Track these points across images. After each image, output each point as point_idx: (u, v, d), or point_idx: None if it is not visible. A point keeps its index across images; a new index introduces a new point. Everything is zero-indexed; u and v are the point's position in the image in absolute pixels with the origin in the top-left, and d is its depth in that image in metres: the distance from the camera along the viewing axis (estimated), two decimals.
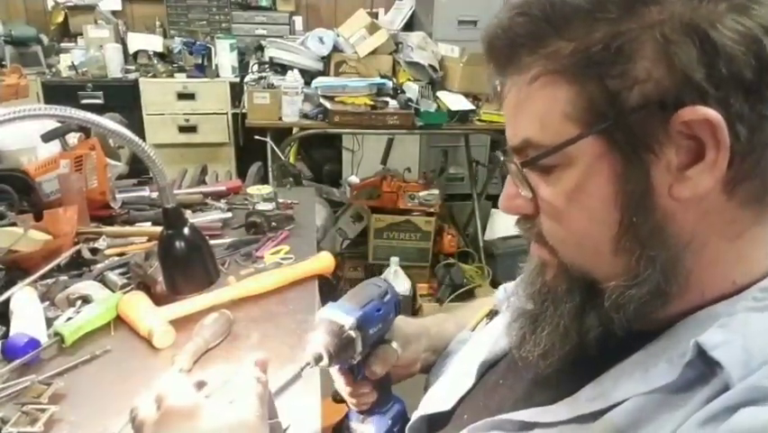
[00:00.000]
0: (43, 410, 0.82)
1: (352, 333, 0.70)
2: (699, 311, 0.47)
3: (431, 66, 2.97)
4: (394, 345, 0.78)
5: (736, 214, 0.45)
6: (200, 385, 0.66)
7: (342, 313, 0.71)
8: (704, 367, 0.44)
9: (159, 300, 1.07)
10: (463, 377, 0.70)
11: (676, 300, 0.48)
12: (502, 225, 3.16)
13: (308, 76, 2.95)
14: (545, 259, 0.54)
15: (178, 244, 0.80)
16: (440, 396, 0.72)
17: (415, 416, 0.73)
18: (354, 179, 3.18)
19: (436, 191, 2.92)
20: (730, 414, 0.39)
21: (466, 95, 2.83)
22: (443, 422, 0.69)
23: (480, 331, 0.79)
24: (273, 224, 1.45)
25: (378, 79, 2.89)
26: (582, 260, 0.51)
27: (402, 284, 2.89)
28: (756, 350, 0.42)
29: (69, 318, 1.02)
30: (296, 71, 2.78)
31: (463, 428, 0.61)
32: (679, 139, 0.43)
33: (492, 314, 0.81)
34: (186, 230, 0.80)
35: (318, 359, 0.69)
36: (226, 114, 3.54)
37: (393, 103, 2.76)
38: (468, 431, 0.60)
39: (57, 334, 0.97)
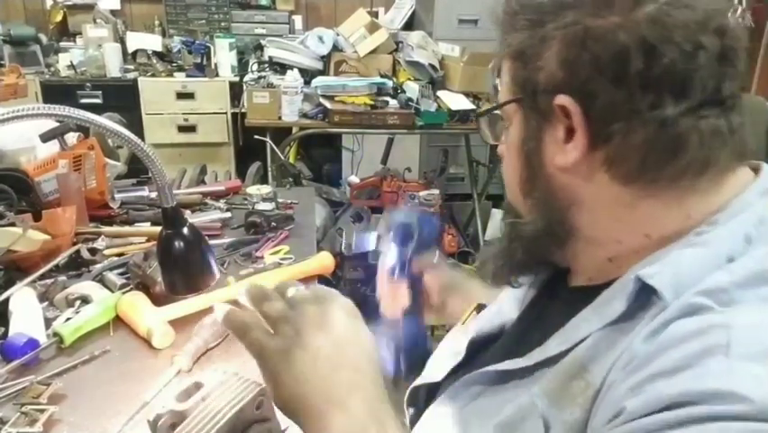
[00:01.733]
0: (42, 411, 0.81)
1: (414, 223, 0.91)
2: (640, 260, 0.56)
3: (431, 65, 2.97)
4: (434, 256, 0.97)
5: (618, 188, 0.56)
6: (197, 386, 0.66)
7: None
8: (645, 297, 0.52)
9: (158, 301, 1.06)
10: (454, 352, 0.77)
11: (583, 247, 0.61)
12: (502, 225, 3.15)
13: (308, 75, 2.94)
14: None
15: (178, 244, 0.80)
16: (432, 370, 0.80)
17: (410, 388, 0.81)
18: (354, 179, 3.17)
19: (436, 191, 2.92)
20: (666, 327, 0.48)
21: (466, 94, 2.83)
22: (433, 391, 0.76)
23: (471, 322, 0.84)
24: (273, 224, 1.45)
25: (378, 79, 2.88)
26: (510, 196, 0.68)
27: None
28: (685, 274, 0.50)
29: (68, 319, 1.02)
30: (295, 71, 2.78)
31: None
32: (561, 118, 0.56)
33: (480, 308, 0.85)
34: (185, 230, 0.80)
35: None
36: (226, 113, 3.54)
37: (393, 102, 2.75)
38: (449, 391, 0.69)
39: (56, 334, 0.97)
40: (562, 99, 0.54)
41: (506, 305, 0.75)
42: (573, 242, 0.61)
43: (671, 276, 0.51)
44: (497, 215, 3.34)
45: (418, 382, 0.81)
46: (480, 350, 0.75)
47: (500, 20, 0.62)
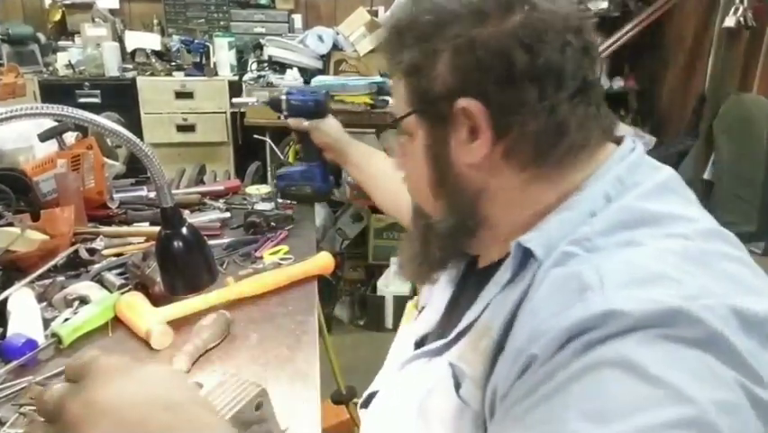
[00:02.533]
0: None
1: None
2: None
3: None
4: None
5: (515, 174, 0.63)
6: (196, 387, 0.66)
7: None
8: (525, 259, 0.59)
9: (157, 301, 1.06)
10: (402, 355, 0.81)
11: (488, 233, 0.68)
12: None
13: (308, 74, 2.94)
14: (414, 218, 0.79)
15: (176, 245, 0.79)
16: (382, 377, 0.86)
17: (364, 395, 0.87)
18: None
19: None
20: (543, 280, 0.55)
21: None
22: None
23: (414, 322, 0.88)
24: (272, 224, 1.45)
25: (377, 78, 2.88)
26: (420, 201, 0.74)
27: (402, 284, 2.88)
28: (554, 234, 0.58)
29: (67, 319, 1.01)
30: (295, 70, 2.78)
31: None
32: (463, 120, 0.62)
33: (420, 307, 0.88)
34: (184, 230, 0.80)
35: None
36: (225, 113, 3.52)
37: (393, 102, 2.75)
38: (387, 383, 0.78)
39: (54, 335, 0.97)
40: (465, 102, 0.60)
41: (436, 302, 0.80)
42: (481, 231, 0.69)
43: (542, 238, 0.58)
44: None
45: (370, 389, 0.85)
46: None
47: (387, 41, 0.69)
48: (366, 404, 0.85)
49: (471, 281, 0.74)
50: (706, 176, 2.81)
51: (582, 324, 0.48)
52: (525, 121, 0.60)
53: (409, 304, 0.95)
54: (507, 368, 0.54)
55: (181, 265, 0.82)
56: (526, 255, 0.59)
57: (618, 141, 0.67)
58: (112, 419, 0.42)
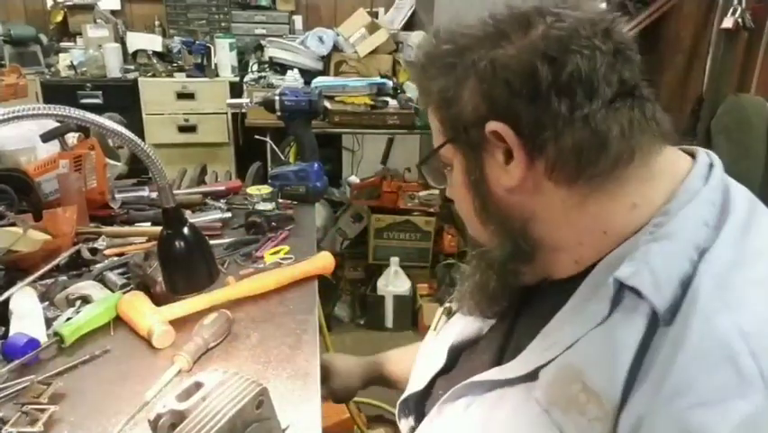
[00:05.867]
0: (43, 410, 0.81)
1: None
2: (606, 256, 0.59)
3: None
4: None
5: (564, 192, 0.60)
6: (198, 386, 0.66)
7: None
8: (626, 296, 0.55)
9: (158, 300, 1.06)
10: (434, 359, 0.80)
11: (549, 256, 0.65)
12: None
13: (308, 75, 2.95)
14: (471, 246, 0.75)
15: (178, 244, 0.80)
16: (415, 380, 0.83)
17: (398, 403, 0.85)
18: (354, 179, 3.18)
19: (436, 191, 2.92)
20: (684, 337, 0.50)
21: None
22: (422, 401, 0.81)
23: (444, 327, 0.86)
24: (273, 224, 1.45)
25: (378, 79, 2.89)
26: (472, 227, 0.71)
27: (402, 284, 2.89)
28: (660, 270, 0.53)
29: (69, 319, 1.02)
30: (295, 71, 2.78)
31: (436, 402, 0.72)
32: (496, 144, 0.60)
33: (449, 311, 0.86)
34: (185, 230, 0.80)
35: None
36: (226, 113, 3.53)
37: (393, 103, 2.75)
38: (439, 404, 0.71)
39: (56, 334, 0.97)
40: (493, 126, 0.59)
41: None
42: (540, 254, 0.65)
43: (649, 274, 0.53)
44: None
45: (405, 394, 0.84)
46: (461, 355, 0.78)
47: (415, 77, 0.70)
48: (405, 409, 0.84)
49: (535, 297, 0.70)
50: None
51: (750, 421, 0.46)
52: (561, 135, 0.57)
53: (439, 310, 0.91)
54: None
55: (182, 265, 0.82)
56: (626, 291, 0.55)
57: (692, 153, 0.64)
58: None
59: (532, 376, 0.60)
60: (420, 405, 0.82)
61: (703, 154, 0.63)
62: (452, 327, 0.82)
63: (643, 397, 0.50)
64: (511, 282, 0.69)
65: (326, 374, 1.10)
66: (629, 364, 0.52)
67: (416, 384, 0.82)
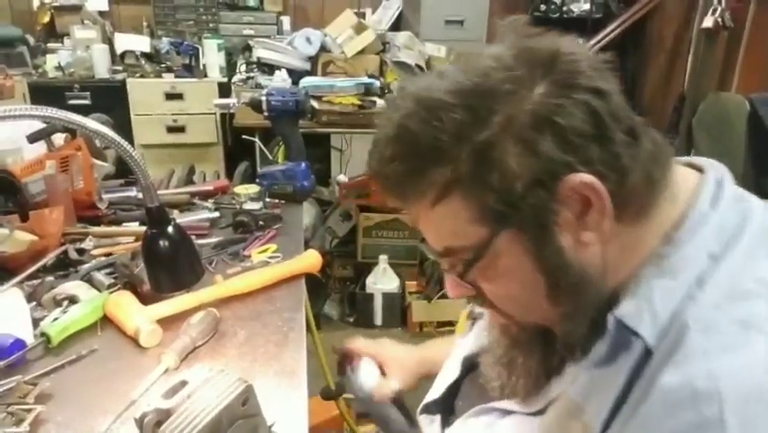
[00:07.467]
0: (29, 411, 0.82)
1: None
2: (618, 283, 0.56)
3: (418, 65, 2.99)
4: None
5: (627, 230, 0.55)
6: (183, 384, 0.67)
7: None
8: (625, 335, 0.52)
9: (145, 300, 1.07)
10: (450, 370, 0.81)
11: None
12: None
13: (296, 76, 2.95)
14: (505, 322, 0.65)
15: (162, 243, 0.81)
16: (436, 386, 0.84)
17: (420, 406, 0.85)
18: (343, 179, 3.18)
19: None
20: (655, 381, 0.49)
21: None
22: (439, 407, 0.82)
23: (466, 335, 0.86)
24: (261, 223, 1.46)
25: (365, 79, 2.90)
26: (532, 317, 0.61)
27: (391, 282, 2.90)
28: (660, 311, 0.51)
29: (56, 319, 1.02)
30: (283, 71, 2.79)
31: (456, 411, 0.75)
32: (568, 200, 0.52)
33: (472, 316, 0.86)
34: (170, 229, 0.81)
35: None
36: (214, 114, 3.53)
37: (381, 102, 2.76)
38: (464, 418, 0.72)
39: (43, 334, 0.97)
40: (573, 181, 0.50)
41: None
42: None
43: (649, 316, 0.51)
44: None
45: (427, 399, 0.84)
46: (475, 364, 0.77)
47: (401, 171, 0.55)
48: (428, 410, 0.84)
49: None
50: None
51: None
52: (627, 172, 0.52)
53: (463, 313, 0.90)
54: None
55: (167, 263, 0.83)
56: (628, 332, 0.52)
57: (697, 167, 0.60)
58: None
59: (542, 410, 0.61)
60: (442, 406, 0.82)
61: (711, 170, 0.59)
62: (471, 338, 0.82)
63: None
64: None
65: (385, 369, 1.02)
66: (614, 398, 0.52)
67: (434, 392, 0.84)
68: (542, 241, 0.53)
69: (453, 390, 0.81)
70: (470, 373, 0.79)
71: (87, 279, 1.18)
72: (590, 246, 0.54)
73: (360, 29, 3.10)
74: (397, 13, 3.80)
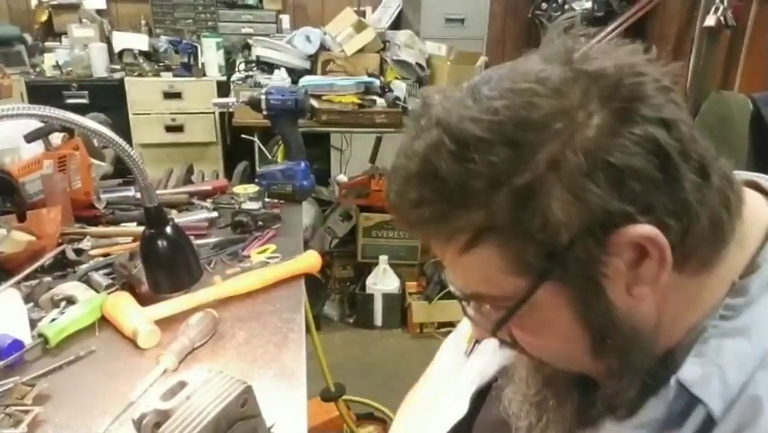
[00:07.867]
0: (27, 412, 0.81)
1: None
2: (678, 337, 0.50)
3: (418, 64, 2.98)
4: None
5: (689, 281, 0.48)
6: (182, 385, 0.66)
7: None
8: (687, 400, 0.46)
9: (144, 300, 1.06)
10: (456, 403, 0.71)
11: None
12: None
13: (295, 74, 2.95)
14: (538, 365, 0.58)
15: (161, 244, 0.80)
16: (436, 423, 0.73)
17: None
18: (343, 178, 3.18)
19: None
20: None
21: None
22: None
23: (473, 356, 0.78)
24: (260, 223, 1.45)
25: (365, 78, 2.89)
26: (570, 366, 0.55)
27: (391, 282, 2.89)
28: (731, 379, 0.45)
29: (54, 319, 1.02)
30: (283, 70, 2.78)
31: None
32: (620, 252, 0.45)
33: (473, 343, 0.79)
34: (168, 229, 0.80)
35: None
36: (213, 113, 3.52)
37: (381, 101, 2.76)
38: None
39: (41, 335, 0.97)
40: (636, 230, 0.43)
41: (494, 353, 0.68)
42: None
43: (719, 384, 0.45)
44: None
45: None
46: (485, 397, 0.70)
47: (434, 213, 0.47)
48: None
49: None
50: None
51: None
52: (693, 219, 0.45)
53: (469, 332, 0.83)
54: None
55: (165, 264, 0.82)
56: (691, 397, 0.46)
57: (761, 187, 0.54)
58: None
59: None
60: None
61: None
62: (474, 362, 0.74)
63: None
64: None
65: None
66: None
67: (435, 430, 0.73)
68: (588, 295, 0.47)
69: (460, 429, 0.70)
70: (480, 410, 0.70)
71: (85, 279, 1.17)
72: (644, 301, 0.47)
73: (360, 27, 3.09)
74: (398, 11, 3.79)
